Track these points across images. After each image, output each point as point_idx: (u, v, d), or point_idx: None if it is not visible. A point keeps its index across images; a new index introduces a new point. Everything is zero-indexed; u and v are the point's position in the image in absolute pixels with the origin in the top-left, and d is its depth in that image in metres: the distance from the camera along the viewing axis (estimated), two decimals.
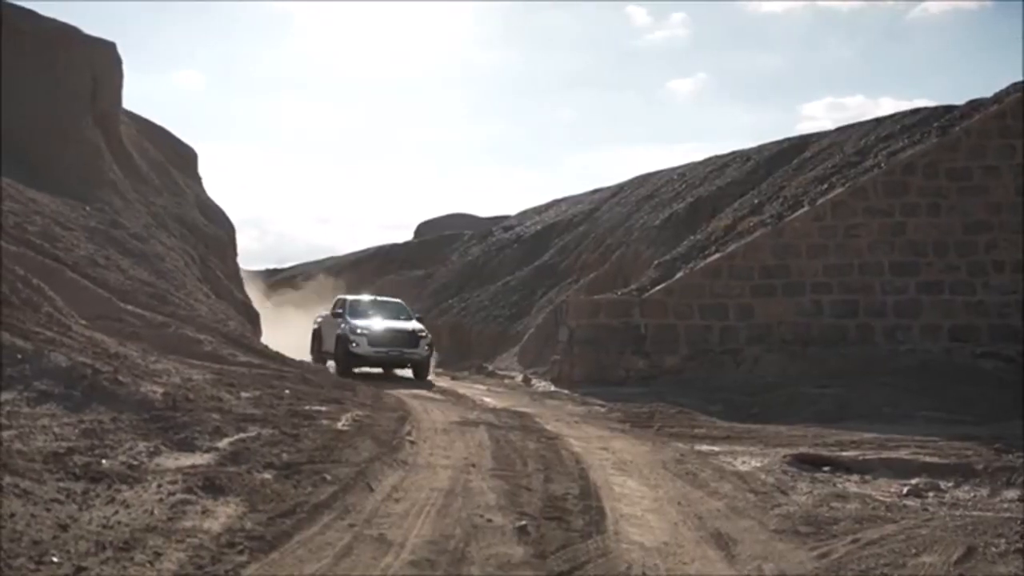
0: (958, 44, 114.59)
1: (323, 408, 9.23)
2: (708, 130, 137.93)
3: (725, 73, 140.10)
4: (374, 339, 17.41)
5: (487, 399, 14.08)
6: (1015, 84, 16.50)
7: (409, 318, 18.68)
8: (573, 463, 7.89)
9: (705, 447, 9.26)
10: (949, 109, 17.64)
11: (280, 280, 42.94)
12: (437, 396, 14.00)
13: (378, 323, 17.95)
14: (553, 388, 16.21)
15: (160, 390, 7.66)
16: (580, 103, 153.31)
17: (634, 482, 7.30)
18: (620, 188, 28.29)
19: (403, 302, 20.59)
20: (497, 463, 7.59)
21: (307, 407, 9.06)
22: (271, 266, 50.40)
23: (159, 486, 5.31)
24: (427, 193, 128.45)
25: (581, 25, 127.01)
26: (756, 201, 18.57)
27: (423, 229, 51.00)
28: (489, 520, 5.67)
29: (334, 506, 5.54)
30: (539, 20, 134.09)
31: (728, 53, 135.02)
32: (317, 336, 19.43)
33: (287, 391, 10.01)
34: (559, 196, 33.79)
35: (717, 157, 25.03)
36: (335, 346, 17.61)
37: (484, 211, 48.42)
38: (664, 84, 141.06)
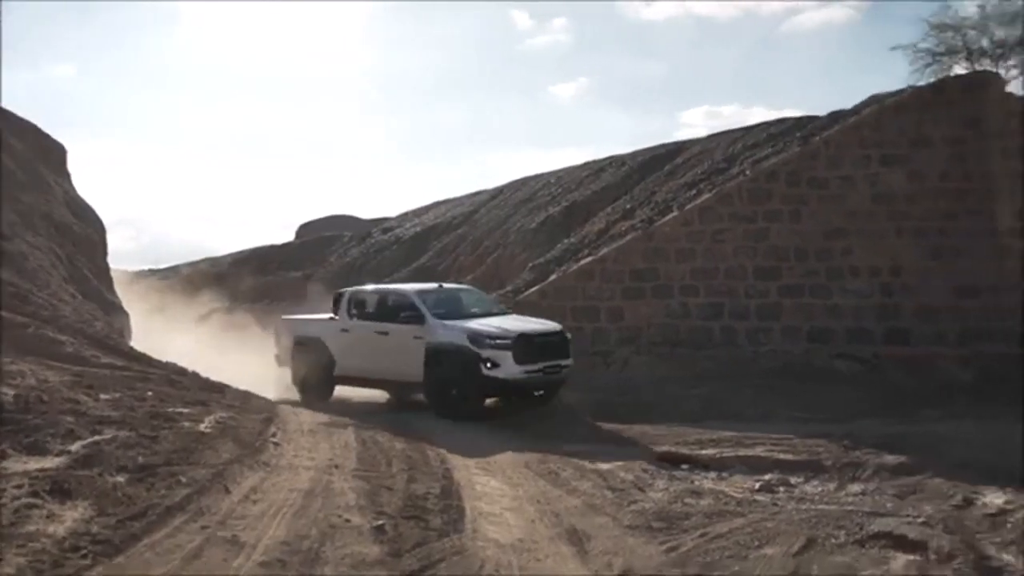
0: (827, 57, 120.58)
1: (186, 410, 8.84)
2: (589, 135, 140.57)
3: (607, 78, 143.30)
4: (522, 351, 11.41)
5: (356, 400, 13.81)
6: (872, 96, 17.33)
7: (504, 313, 13.30)
8: (438, 463, 7.93)
9: (569, 446, 9.24)
10: (812, 119, 18.37)
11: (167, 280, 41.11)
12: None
13: (507, 323, 12.22)
14: None
15: (11, 392, 7.27)
16: (463, 106, 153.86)
17: (497, 481, 7.29)
18: (499, 191, 28.36)
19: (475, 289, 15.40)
20: (361, 464, 7.56)
21: (169, 409, 8.66)
22: (148, 267, 48.26)
23: (3, 490, 5.10)
24: (309, 194, 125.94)
25: (465, 28, 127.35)
26: (628, 206, 18.87)
27: (304, 230, 50.01)
28: (347, 520, 5.68)
29: (187, 508, 5.42)
30: (423, 22, 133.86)
31: (610, 59, 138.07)
32: (307, 351, 13.32)
33: (150, 393, 9.53)
34: (440, 198, 33.63)
35: (594, 162, 25.41)
36: (432, 367, 11.66)
37: (366, 213, 47.71)
38: (546, 88, 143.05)
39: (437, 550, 5.22)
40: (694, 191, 17.21)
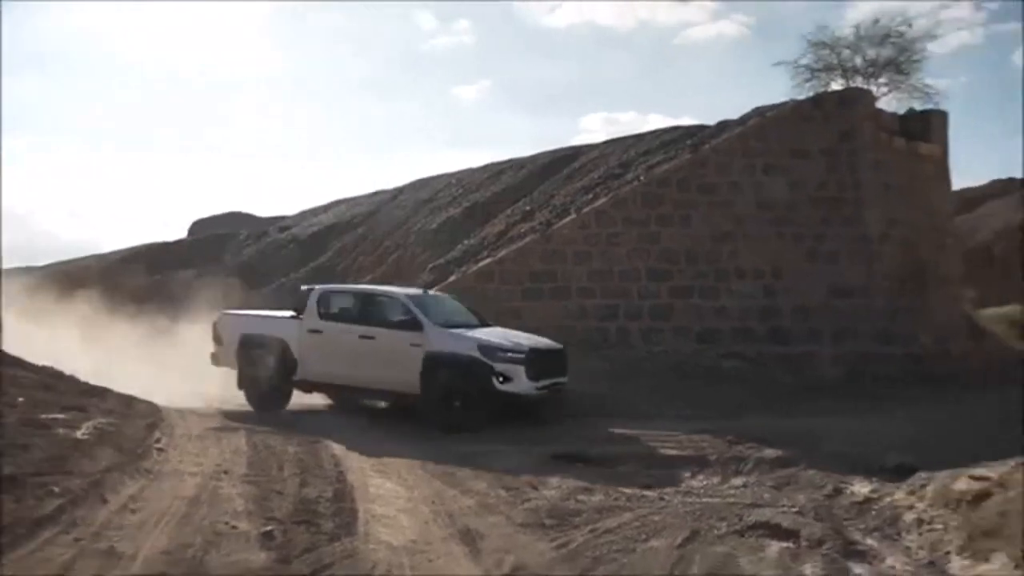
0: (719, 69, 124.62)
1: (62, 416, 8.49)
2: (491, 137, 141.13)
3: (509, 82, 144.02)
4: (534, 366, 11.07)
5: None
6: (757, 108, 18.12)
7: (486, 324, 12.61)
8: (332, 466, 7.87)
9: (465, 447, 9.44)
10: (701, 128, 19.06)
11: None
12: (198, 403, 13.34)
13: (509, 336, 11.78)
14: None
15: None
16: (365, 105, 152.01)
17: (391, 483, 7.36)
18: (400, 191, 28.26)
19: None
20: (252, 469, 7.43)
21: (43, 415, 8.31)
22: (23, 264, 45.87)
23: None
24: (203, 191, 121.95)
25: (367, 27, 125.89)
26: (528, 208, 19.20)
27: (197, 227, 48.63)
28: (234, 527, 5.55)
29: (59, 520, 5.21)
30: (325, 20, 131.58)
31: (512, 62, 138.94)
32: (260, 351, 12.14)
33: (21, 399, 9.14)
34: (340, 197, 33.26)
35: (494, 164, 25.62)
36: (433, 377, 11.00)
37: (262, 211, 46.69)
38: (449, 90, 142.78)
39: (327, 554, 5.19)
40: (591, 195, 17.66)
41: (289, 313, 12.50)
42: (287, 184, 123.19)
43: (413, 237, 22.70)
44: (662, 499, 7.30)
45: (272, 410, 11.79)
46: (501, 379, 10.84)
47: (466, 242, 18.91)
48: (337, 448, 8.76)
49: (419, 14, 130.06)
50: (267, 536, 5.41)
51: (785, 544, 5.83)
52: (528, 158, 24.45)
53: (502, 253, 16.79)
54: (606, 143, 22.40)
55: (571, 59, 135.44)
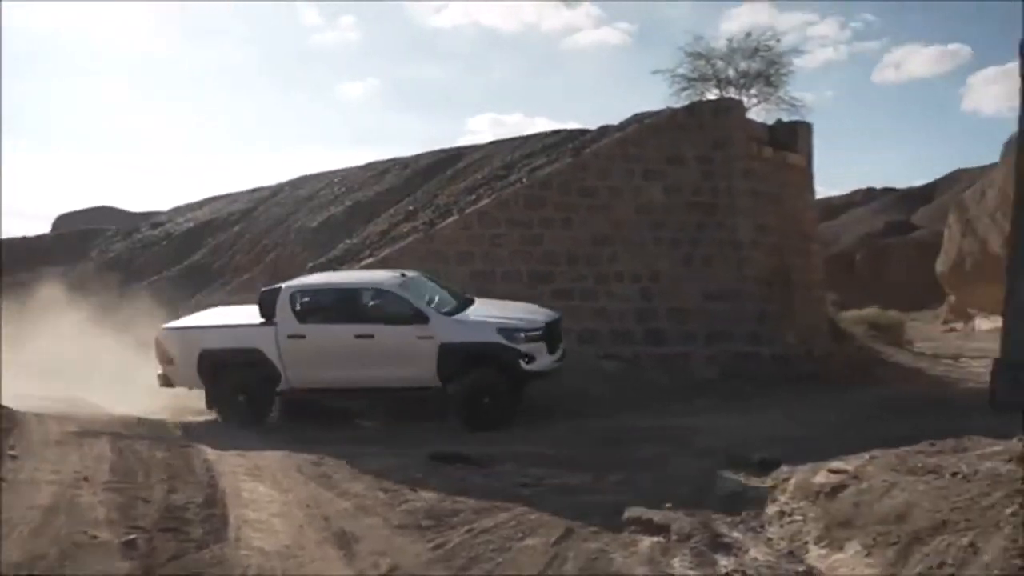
0: (602, 73, 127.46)
1: None
2: (377, 136, 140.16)
3: (396, 81, 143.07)
4: (551, 340, 11.21)
5: (120, 407, 12.98)
6: (636, 115, 18.58)
7: (472, 300, 12.34)
8: (203, 471, 7.61)
9: (344, 448, 9.30)
10: (583, 133, 19.40)
11: None
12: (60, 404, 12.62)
13: (512, 311, 11.68)
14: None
15: None
16: (245, 100, 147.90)
17: (265, 487, 7.18)
18: (280, 188, 27.58)
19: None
20: (115, 475, 7.09)
21: None
22: None
23: None
24: (69, 183, 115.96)
25: (250, 20, 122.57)
26: (411, 208, 19.08)
27: (61, 222, 46.38)
28: (93, 537, 5.30)
29: None
30: (207, 11, 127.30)
31: (400, 62, 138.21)
32: (231, 366, 11.31)
33: None
34: (217, 194, 32.15)
35: (378, 163, 25.33)
36: (452, 368, 10.78)
37: (133, 206, 44.91)
38: (334, 86, 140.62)
39: (195, 562, 5.05)
40: (474, 196, 17.71)
41: (252, 318, 11.59)
42: (162, 179, 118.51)
43: (293, 235, 22.20)
44: (540, 497, 7.39)
45: (256, 424, 11.06)
46: (527, 360, 10.72)
47: (348, 241, 18.64)
48: (210, 452, 8.47)
49: (303, 9, 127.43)
50: (129, 545, 5.19)
51: (656, 539, 5.99)
52: (412, 157, 24.30)
53: (384, 253, 16.62)
54: (490, 144, 22.50)
55: (458, 60, 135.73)
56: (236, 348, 11.40)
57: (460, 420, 10.80)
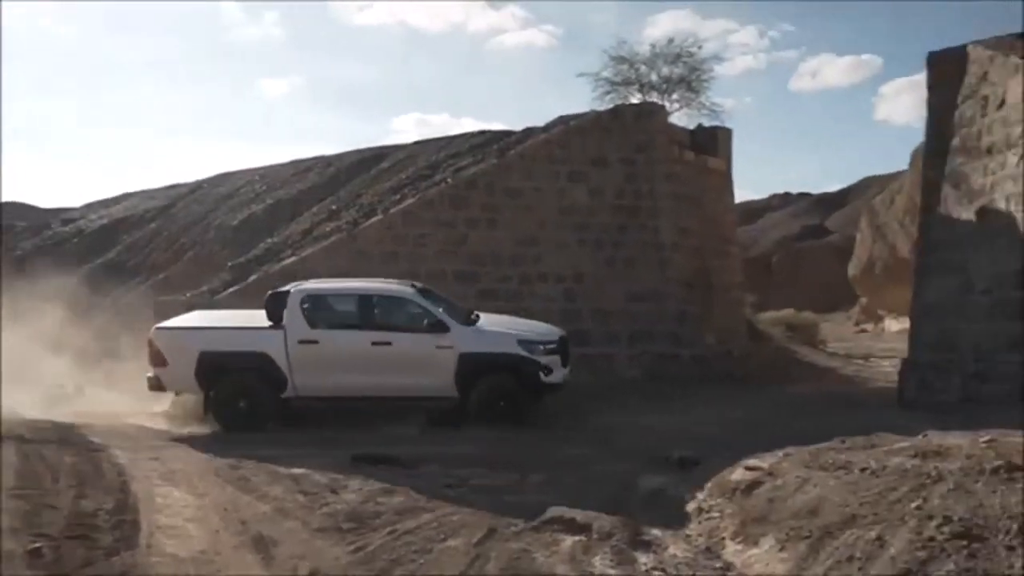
0: (528, 75, 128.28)
1: None
2: (301, 133, 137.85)
3: (320, 79, 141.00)
4: (565, 353, 11.56)
5: (31, 411, 12.47)
6: (561, 117, 18.73)
7: (474, 311, 12.53)
8: (115, 476, 7.39)
9: (264, 451, 9.11)
10: (509, 134, 19.46)
11: None
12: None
13: (524, 325, 12.07)
14: None
15: None
16: (166, 94, 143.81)
17: (180, 492, 7.00)
18: (199, 185, 26.93)
19: None
20: (21, 481, 6.83)
21: None
22: None
23: None
24: None
25: (169, 13, 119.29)
26: (334, 207, 18.83)
27: None
28: None
29: None
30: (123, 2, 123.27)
31: (324, 59, 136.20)
32: (234, 370, 10.99)
33: None
34: (132, 189, 31.17)
35: (301, 161, 24.96)
36: (471, 378, 10.89)
37: (43, 202, 43.23)
38: (256, 82, 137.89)
39: (104, 570, 4.89)
40: (399, 196, 17.58)
41: (253, 321, 11.26)
42: (74, 174, 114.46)
43: (212, 233, 21.71)
44: (463, 498, 7.37)
45: (257, 431, 10.58)
46: (546, 372, 10.98)
47: (269, 240, 18.29)
48: (122, 456, 8.21)
49: (225, 5, 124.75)
50: (35, 554, 5.00)
51: (578, 538, 6.02)
52: (336, 156, 24.00)
53: (307, 252, 16.38)
54: (415, 144, 22.39)
55: (383, 59, 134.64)
56: (240, 352, 11.01)
57: (476, 422, 10.80)
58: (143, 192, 29.63)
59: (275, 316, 11.06)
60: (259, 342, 10.98)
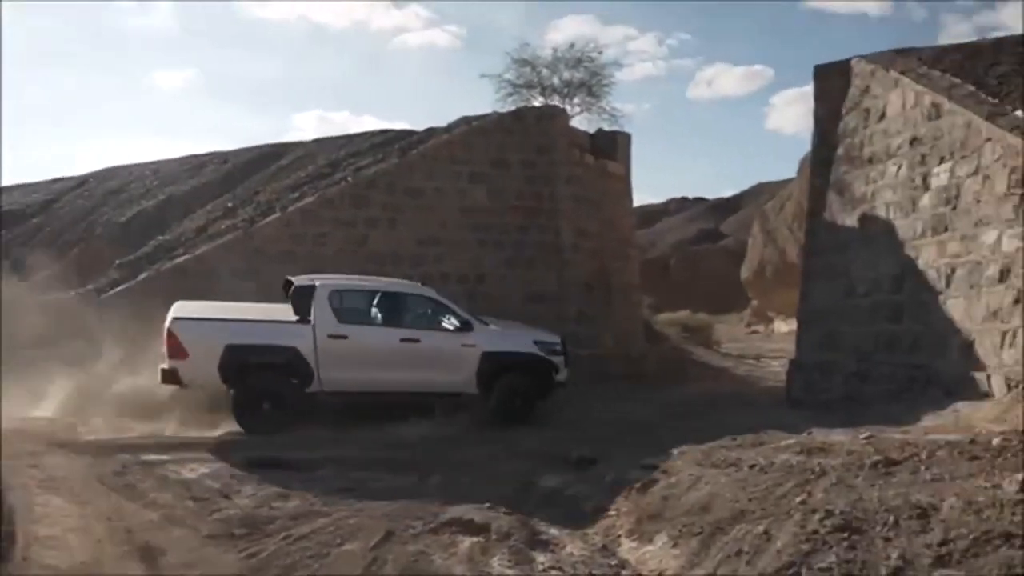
0: (431, 75, 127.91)
1: None
2: (197, 128, 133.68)
3: (217, 72, 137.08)
4: (567, 355, 12.21)
5: None
6: (464, 118, 18.69)
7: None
8: None
9: (153, 456, 8.79)
10: (411, 133, 19.33)
11: None
12: None
13: (528, 330, 12.63)
14: None
15: None
16: (53, 83, 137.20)
17: (61, 500, 6.68)
18: (85, 179, 25.80)
19: None
20: None
21: None
22: None
23: None
24: None
25: None
26: (230, 204, 18.30)
27: None
28: None
29: None
30: None
31: (222, 53, 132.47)
32: (260, 364, 10.72)
33: None
34: (11, 183, 29.63)
35: (194, 156, 24.22)
36: (492, 376, 11.39)
37: None
38: (149, 74, 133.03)
39: None
40: (298, 194, 17.22)
41: (277, 315, 11.08)
42: None
43: (100, 230, 20.83)
44: (359, 501, 7.28)
45: (281, 431, 10.14)
46: (556, 372, 11.74)
47: (160, 237, 17.64)
48: None
49: None
50: None
51: (477, 539, 6.03)
52: (233, 152, 23.39)
53: (201, 250, 15.86)
54: (314, 142, 22.03)
55: (284, 54, 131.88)
56: (269, 345, 10.76)
57: (494, 417, 11.27)
58: (25, 186, 28.20)
59: (303, 311, 10.93)
60: (287, 336, 10.81)
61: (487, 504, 7.06)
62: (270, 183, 18.98)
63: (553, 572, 5.45)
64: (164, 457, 8.76)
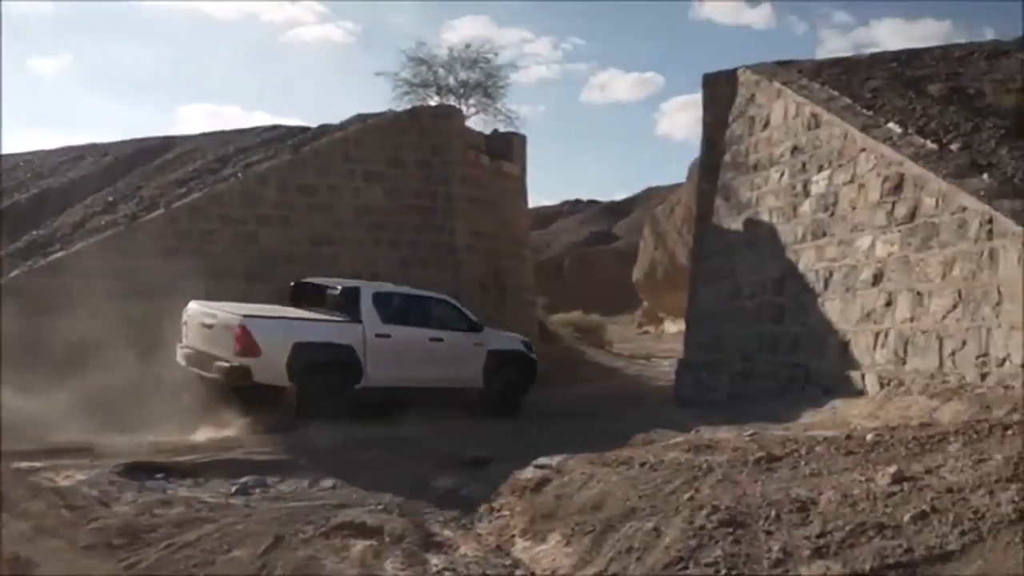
0: (325, 71, 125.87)
1: None
2: (72, 118, 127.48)
3: (96, 60, 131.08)
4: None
5: None
6: (359, 115, 18.48)
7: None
8: None
9: (25, 463, 8.31)
10: (304, 130, 18.96)
11: None
12: None
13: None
14: None
15: None
16: None
17: None
18: None
19: None
20: None
21: None
22: None
23: None
24: None
25: None
26: (111, 199, 17.49)
27: None
28: None
29: None
30: None
31: (100, 39, 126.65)
32: (324, 363, 11.26)
33: None
34: None
35: (72, 148, 23.07)
36: (495, 372, 12.96)
37: None
38: (24, 61, 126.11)
39: None
40: (184, 189, 16.63)
41: (335, 316, 11.75)
42: None
43: None
44: (248, 506, 7.09)
45: (324, 432, 10.14)
46: (535, 367, 13.52)
47: (34, 233, 16.72)
48: None
49: None
50: None
51: (369, 542, 5.95)
52: (113, 144, 22.39)
53: (78, 247, 15.12)
54: (202, 136, 21.30)
55: (169, 43, 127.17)
56: (330, 343, 11.45)
57: (492, 410, 12.68)
58: None
59: (352, 311, 11.71)
60: (344, 334, 11.56)
61: (380, 506, 7.00)
62: (155, 178, 18.24)
63: (447, 574, 5.43)
64: (36, 464, 8.30)
